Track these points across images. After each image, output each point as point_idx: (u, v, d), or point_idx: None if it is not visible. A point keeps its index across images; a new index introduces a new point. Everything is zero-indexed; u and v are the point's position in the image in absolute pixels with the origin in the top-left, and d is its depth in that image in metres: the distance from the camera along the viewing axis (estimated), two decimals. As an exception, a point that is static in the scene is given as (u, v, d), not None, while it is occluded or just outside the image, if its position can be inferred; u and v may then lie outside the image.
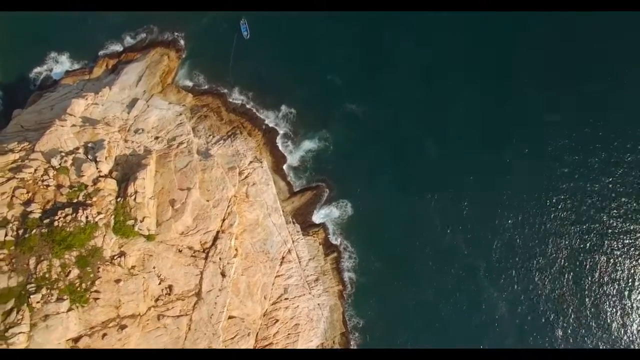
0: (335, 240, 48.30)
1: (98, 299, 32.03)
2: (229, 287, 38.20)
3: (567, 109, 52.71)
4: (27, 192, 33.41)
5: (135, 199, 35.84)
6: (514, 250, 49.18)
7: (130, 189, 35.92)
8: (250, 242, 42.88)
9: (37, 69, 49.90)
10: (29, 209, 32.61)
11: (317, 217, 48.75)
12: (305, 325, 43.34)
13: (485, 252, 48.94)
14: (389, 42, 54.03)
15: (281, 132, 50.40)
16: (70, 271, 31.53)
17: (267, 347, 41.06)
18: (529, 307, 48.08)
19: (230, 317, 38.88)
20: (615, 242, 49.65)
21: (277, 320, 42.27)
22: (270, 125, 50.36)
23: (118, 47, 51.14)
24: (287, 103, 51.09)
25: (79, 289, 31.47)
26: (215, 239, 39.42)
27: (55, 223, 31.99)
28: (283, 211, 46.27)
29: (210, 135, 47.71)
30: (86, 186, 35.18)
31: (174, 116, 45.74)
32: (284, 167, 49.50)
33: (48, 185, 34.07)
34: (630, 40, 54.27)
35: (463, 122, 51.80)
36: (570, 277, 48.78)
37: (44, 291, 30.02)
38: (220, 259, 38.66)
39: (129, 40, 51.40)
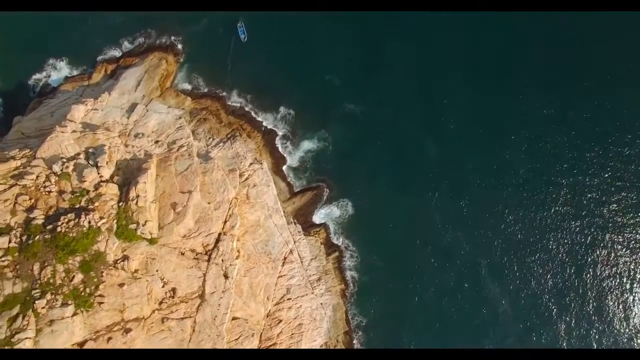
0: (337, 239, 48.54)
1: (102, 303, 32.23)
2: (232, 288, 38.40)
3: (565, 107, 52.95)
4: (30, 199, 33.59)
5: (137, 203, 36.04)
6: (515, 246, 49.37)
7: (132, 193, 36.11)
8: (252, 243, 43.10)
9: (36, 76, 50.09)
10: (31, 216, 32.81)
11: (318, 217, 48.98)
12: (309, 324, 43.56)
13: (486, 249, 49.14)
14: (386, 42, 54.13)
15: (280, 133, 50.64)
16: (74, 276, 31.71)
17: (271, 348, 41.28)
18: (531, 303, 48.25)
19: (234, 319, 39.09)
20: (616, 236, 49.85)
21: (281, 321, 42.49)
22: (269, 127, 50.61)
23: (116, 53, 51.35)
24: (285, 104, 51.31)
25: (83, 293, 31.66)
26: (217, 241, 39.62)
27: (58, 229, 32.15)
28: (284, 212, 46.50)
29: (210, 138, 47.95)
30: (88, 191, 35.37)
31: (174, 120, 45.95)
32: (284, 168, 49.73)
33: (50, 192, 34.26)
34: (630, 40, 54.56)
35: (462, 121, 52.02)
36: (572, 271, 48.96)
37: (48, 296, 30.21)
38: (222, 260, 38.88)
39: (127, 45, 51.61)
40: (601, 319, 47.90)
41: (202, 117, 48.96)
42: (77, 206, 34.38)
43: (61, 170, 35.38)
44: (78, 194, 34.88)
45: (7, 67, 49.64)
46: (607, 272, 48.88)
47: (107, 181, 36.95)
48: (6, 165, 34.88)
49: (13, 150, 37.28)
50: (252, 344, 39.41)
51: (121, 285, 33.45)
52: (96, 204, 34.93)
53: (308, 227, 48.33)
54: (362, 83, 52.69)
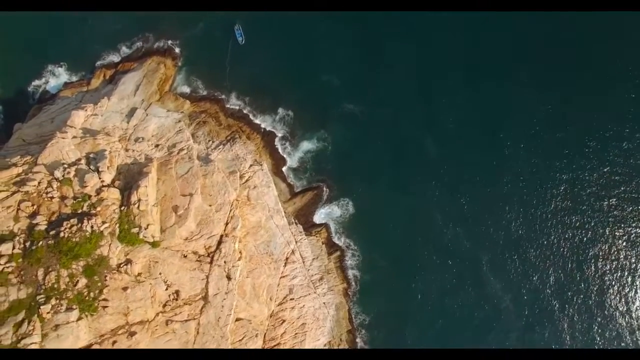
0: (338, 239, 48.78)
1: (107, 307, 32.46)
2: (235, 289, 38.62)
3: (564, 104, 53.14)
4: (32, 205, 33.80)
5: (138, 206, 36.25)
6: (516, 242, 49.63)
7: (134, 197, 36.34)
8: (253, 244, 43.31)
9: (36, 82, 50.29)
10: (34, 222, 33.02)
11: (319, 217, 49.23)
12: (312, 324, 43.77)
13: (487, 246, 49.39)
14: (385, 42, 54.28)
15: (279, 134, 50.86)
16: (78, 281, 31.93)
17: (275, 348, 41.50)
18: (533, 298, 48.52)
19: (237, 320, 39.32)
20: (616, 230, 50.05)
21: (284, 321, 42.71)
22: (268, 128, 50.82)
23: (115, 58, 51.52)
24: (284, 105, 51.52)
25: (87, 298, 31.88)
26: (219, 242, 39.84)
27: (61, 234, 32.38)
28: (285, 212, 46.71)
29: (209, 141, 48.16)
30: (90, 196, 35.58)
31: (173, 123, 46.15)
32: (284, 168, 49.95)
33: (52, 197, 34.47)
34: (630, 40, 54.85)
35: (461, 119, 52.22)
36: (573, 266, 49.18)
37: (53, 301, 30.43)
38: (225, 262, 39.09)
39: (125, 50, 51.80)
40: (603, 312, 48.14)
41: (202, 120, 49.18)
42: (80, 211, 34.60)
43: (63, 176, 35.60)
44: (80, 199, 35.10)
45: (7, 74, 49.88)
46: (608, 265, 49.09)
47: (108, 186, 37.16)
48: (8, 172, 35.10)
49: (14, 157, 37.50)
50: (256, 344, 39.63)
51: (125, 288, 33.69)
52: (98, 208, 35.13)
53: (309, 227, 48.57)
54: (361, 83, 52.84)
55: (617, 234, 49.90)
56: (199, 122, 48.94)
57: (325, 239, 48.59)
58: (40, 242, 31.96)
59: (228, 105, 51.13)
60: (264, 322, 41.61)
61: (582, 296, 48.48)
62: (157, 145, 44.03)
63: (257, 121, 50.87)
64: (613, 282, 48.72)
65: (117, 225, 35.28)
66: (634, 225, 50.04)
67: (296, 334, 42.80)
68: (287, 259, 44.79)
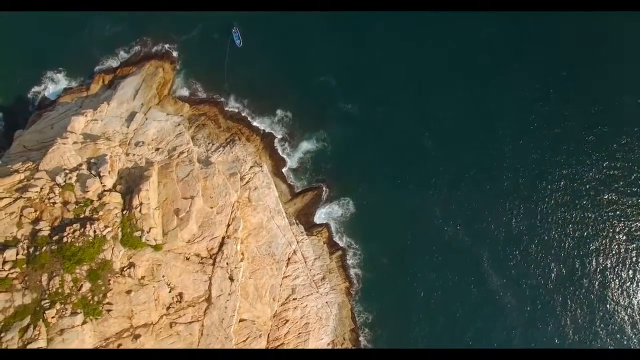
0: (339, 238, 49.00)
1: (111, 310, 32.68)
2: (238, 290, 38.82)
3: (563, 101, 53.40)
4: (35, 211, 34.03)
5: (140, 210, 36.46)
6: (517, 238, 49.80)
7: (135, 201, 36.55)
8: (255, 245, 43.53)
9: (35, 89, 50.46)
10: (37, 227, 33.26)
11: (320, 217, 49.44)
12: (315, 323, 43.99)
13: (488, 242, 49.57)
14: (383, 42, 54.50)
15: (279, 135, 51.08)
16: (82, 285, 32.15)
17: (279, 348, 41.71)
18: (535, 293, 48.69)
19: (241, 320, 39.53)
20: (617, 224, 50.22)
21: (287, 321, 42.92)
22: (267, 130, 51.05)
23: (113, 62, 51.70)
24: (282, 107, 51.75)
25: (91, 302, 32.10)
26: (221, 244, 40.06)
27: (65, 239, 32.60)
28: (286, 213, 46.94)
29: (209, 143, 48.38)
30: (92, 201, 35.79)
31: (173, 127, 46.37)
32: (284, 169, 50.17)
33: (55, 203, 34.67)
34: (628, 38, 55.19)
35: (459, 117, 52.39)
36: (574, 260, 49.38)
37: (58, 306, 30.65)
38: (227, 264, 39.30)
39: (123, 55, 52.00)
40: (605, 307, 48.31)
41: (201, 122, 49.39)
42: (82, 216, 34.81)
43: (64, 181, 35.81)
44: (82, 204, 35.31)
45: (6, 81, 50.10)
46: (609, 260, 49.26)
47: (110, 190, 37.37)
48: (10, 179, 35.32)
49: (16, 163, 37.73)
50: (260, 344, 39.84)
51: (128, 292, 33.90)
52: (100, 213, 35.35)
53: (310, 227, 48.79)
54: (359, 83, 53.04)
55: (618, 228, 50.07)
56: (198, 125, 49.16)
57: (327, 238, 48.80)
58: (44, 248, 32.19)
59: (227, 108, 51.37)
60: (268, 323, 41.83)
61: (583, 290, 48.66)
62: (157, 149, 44.26)
63: (256, 123, 51.12)
64: (614, 276, 48.90)
65: (120, 229, 35.50)
66: (633, 219, 50.22)
67: (299, 333, 43.02)
68: (289, 259, 45.01)
